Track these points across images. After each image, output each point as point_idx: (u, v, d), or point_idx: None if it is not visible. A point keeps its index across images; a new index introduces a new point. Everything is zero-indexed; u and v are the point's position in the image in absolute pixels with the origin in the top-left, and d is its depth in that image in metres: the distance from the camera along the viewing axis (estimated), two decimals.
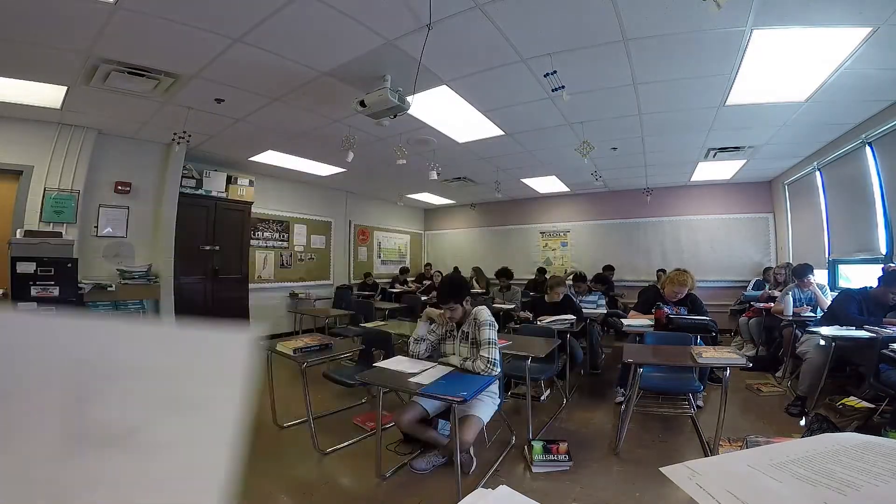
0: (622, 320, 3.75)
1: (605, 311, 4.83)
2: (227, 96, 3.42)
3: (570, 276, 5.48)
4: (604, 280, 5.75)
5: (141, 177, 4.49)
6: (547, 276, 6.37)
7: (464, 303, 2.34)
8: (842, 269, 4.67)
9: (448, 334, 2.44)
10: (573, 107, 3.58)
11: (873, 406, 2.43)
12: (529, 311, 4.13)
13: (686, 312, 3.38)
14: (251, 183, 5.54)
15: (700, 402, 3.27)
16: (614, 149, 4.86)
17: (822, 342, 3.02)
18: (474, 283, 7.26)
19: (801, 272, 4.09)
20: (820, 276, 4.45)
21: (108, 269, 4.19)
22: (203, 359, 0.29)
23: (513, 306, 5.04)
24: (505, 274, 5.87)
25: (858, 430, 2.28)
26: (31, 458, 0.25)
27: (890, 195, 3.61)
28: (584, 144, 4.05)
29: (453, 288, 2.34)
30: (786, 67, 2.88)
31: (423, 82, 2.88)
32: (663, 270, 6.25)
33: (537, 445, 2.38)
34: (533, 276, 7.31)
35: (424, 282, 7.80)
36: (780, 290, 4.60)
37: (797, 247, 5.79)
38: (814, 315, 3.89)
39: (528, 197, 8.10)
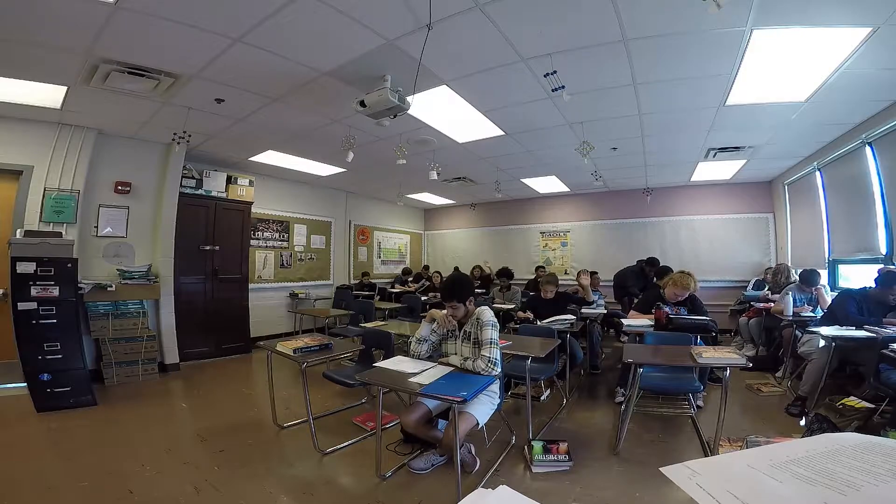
0: (622, 320, 3.75)
1: (605, 311, 4.83)
2: (227, 96, 3.42)
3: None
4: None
5: (141, 177, 4.49)
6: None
7: (467, 302, 2.35)
8: (842, 269, 4.67)
9: (450, 334, 2.44)
10: (573, 107, 3.57)
11: (873, 406, 2.44)
12: (530, 311, 4.13)
13: (686, 312, 3.38)
14: (251, 183, 5.53)
15: (700, 402, 3.27)
16: (614, 149, 4.85)
17: (823, 342, 3.01)
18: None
19: (810, 280, 4.08)
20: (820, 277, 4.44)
21: (108, 269, 4.19)
22: None
23: (513, 306, 5.04)
24: (505, 274, 5.87)
25: (858, 430, 2.28)
26: None
27: (890, 195, 3.61)
28: (584, 144, 4.06)
29: (457, 287, 2.35)
30: (786, 67, 2.87)
31: (423, 82, 2.88)
32: None
33: (537, 445, 2.38)
34: (533, 276, 7.30)
35: (423, 282, 7.79)
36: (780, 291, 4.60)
37: (797, 247, 5.78)
38: (814, 315, 3.89)
39: (528, 197, 8.09)
